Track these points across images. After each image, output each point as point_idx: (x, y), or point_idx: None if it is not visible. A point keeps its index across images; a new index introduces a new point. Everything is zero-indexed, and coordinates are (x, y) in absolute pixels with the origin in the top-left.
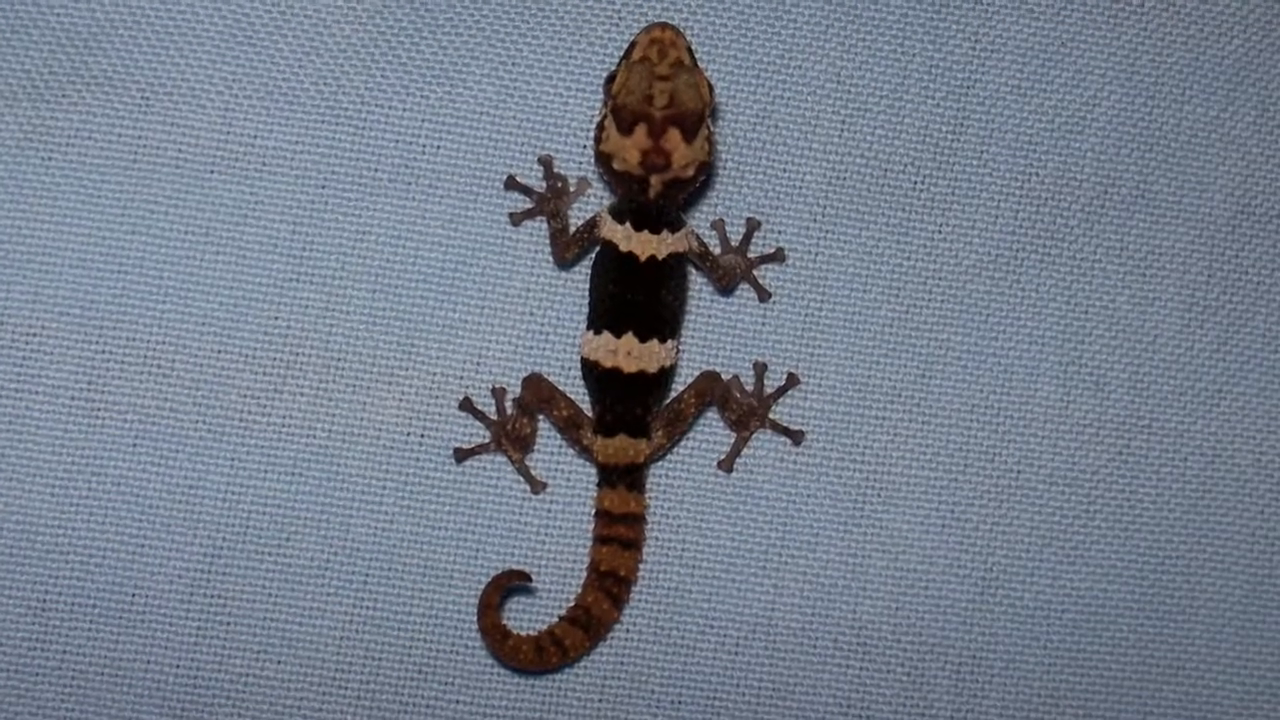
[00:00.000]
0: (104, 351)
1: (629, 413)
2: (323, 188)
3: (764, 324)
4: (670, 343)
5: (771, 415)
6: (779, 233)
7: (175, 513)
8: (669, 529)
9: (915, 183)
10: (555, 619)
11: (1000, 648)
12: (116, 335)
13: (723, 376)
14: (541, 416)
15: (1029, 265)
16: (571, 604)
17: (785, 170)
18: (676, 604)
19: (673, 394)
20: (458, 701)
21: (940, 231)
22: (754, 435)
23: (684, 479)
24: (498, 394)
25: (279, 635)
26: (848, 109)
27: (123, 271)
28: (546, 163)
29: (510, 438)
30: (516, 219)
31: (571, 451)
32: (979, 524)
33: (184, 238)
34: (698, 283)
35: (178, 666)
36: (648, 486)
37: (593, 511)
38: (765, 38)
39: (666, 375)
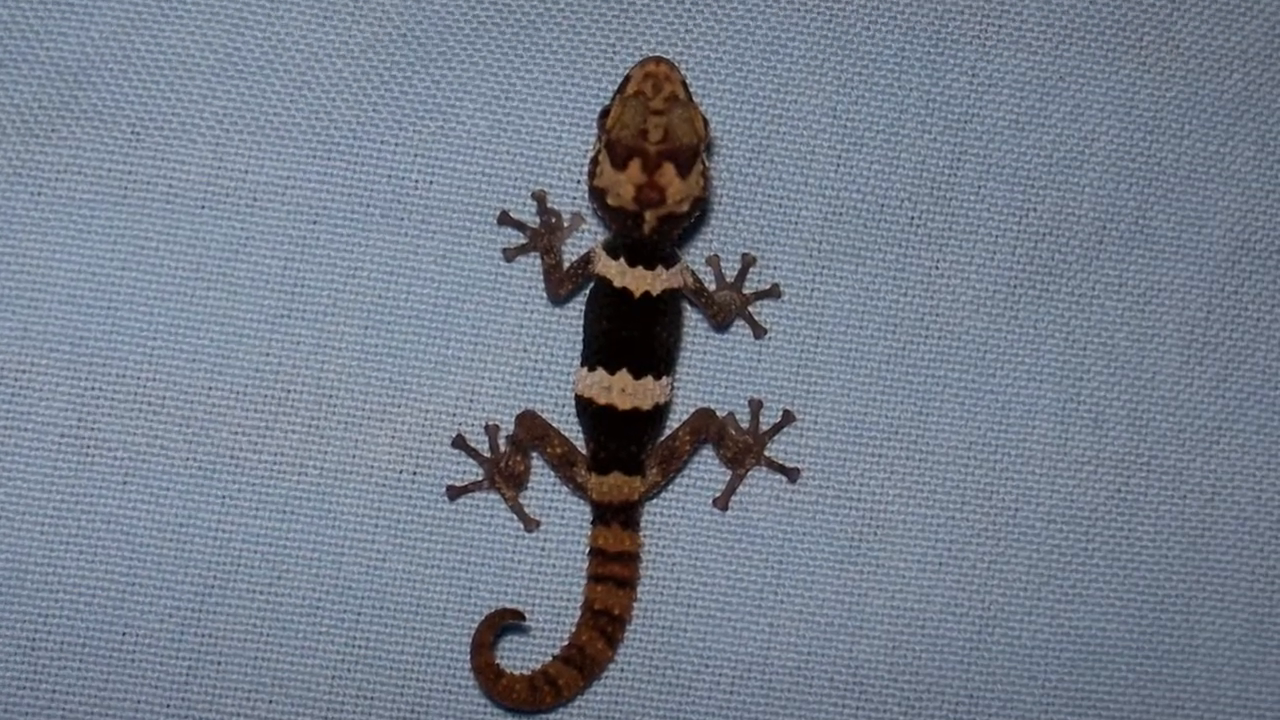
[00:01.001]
0: (94, 388)
1: (623, 450)
2: (315, 223)
3: (759, 360)
4: (665, 379)
5: (767, 453)
6: (774, 268)
7: (166, 550)
8: (664, 567)
9: (912, 218)
10: (549, 658)
11: (998, 687)
12: (107, 371)
13: (718, 413)
14: (535, 454)
15: (1027, 301)
16: (565, 643)
17: (781, 205)
18: (671, 643)
19: (667, 431)
20: None
21: (937, 267)
22: (749, 473)
23: (679, 517)
24: (491, 431)
25: (270, 675)
26: (844, 144)
27: (113, 307)
28: (540, 198)
29: (504, 475)
30: (510, 254)
31: (565, 489)
32: (976, 562)
33: (175, 273)
34: (693, 319)
35: (168, 706)
36: (642, 524)
37: (587, 550)
38: (761, 71)
39: (661, 412)
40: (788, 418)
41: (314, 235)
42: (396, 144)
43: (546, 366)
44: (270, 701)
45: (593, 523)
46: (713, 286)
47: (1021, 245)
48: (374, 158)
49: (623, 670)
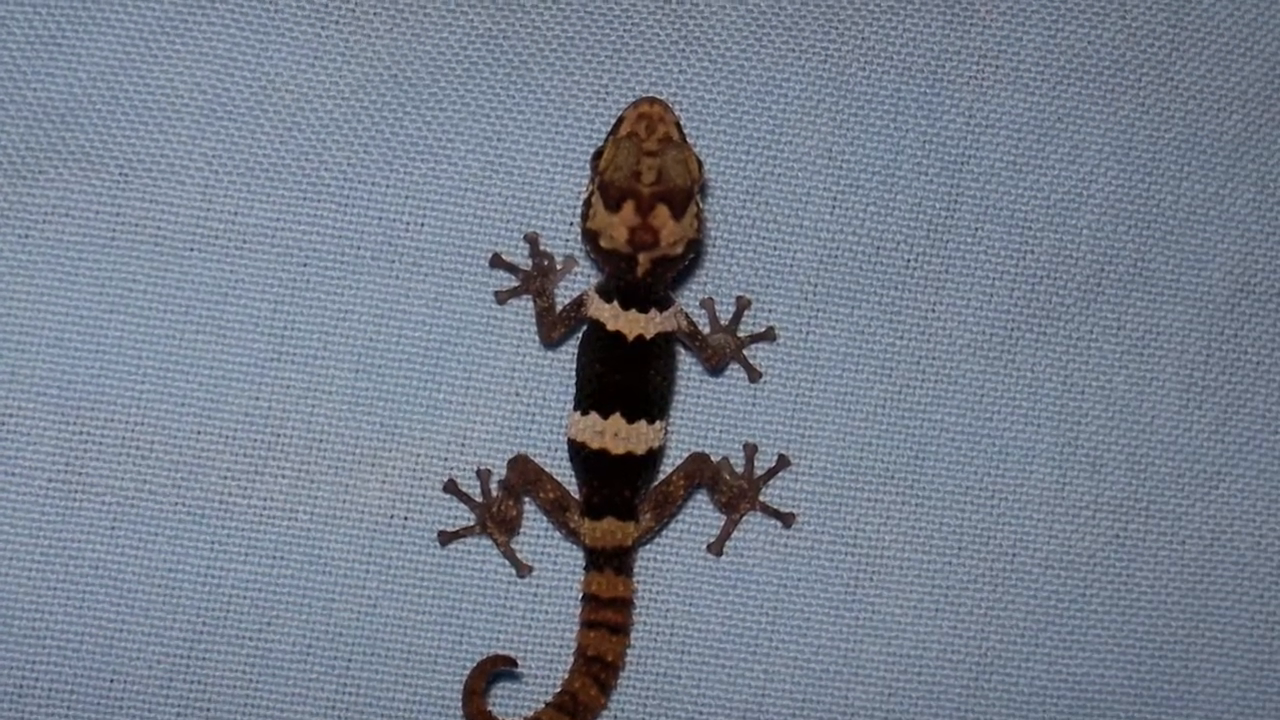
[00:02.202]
0: (81, 432)
1: (617, 495)
2: (304, 265)
3: (754, 404)
4: (659, 423)
5: (762, 497)
6: (769, 311)
7: (154, 597)
8: (657, 613)
9: (908, 260)
10: (541, 705)
11: None
12: (94, 416)
13: (712, 458)
14: (528, 499)
15: (1024, 344)
16: (558, 690)
17: (776, 248)
18: (665, 690)
19: (661, 476)
20: None
21: (934, 310)
22: (744, 518)
23: (673, 562)
24: (483, 476)
25: None
26: (839, 185)
27: (100, 351)
28: (532, 240)
29: (496, 520)
30: (502, 297)
31: (558, 534)
32: (973, 608)
33: (163, 316)
34: (687, 362)
35: None
36: (636, 570)
37: (580, 595)
38: (755, 112)
39: (655, 457)
40: (783, 462)
41: (304, 278)
42: (387, 186)
43: (539, 410)
44: None
45: (586, 568)
46: (707, 330)
47: (1019, 288)
48: (365, 200)
49: (616, 717)
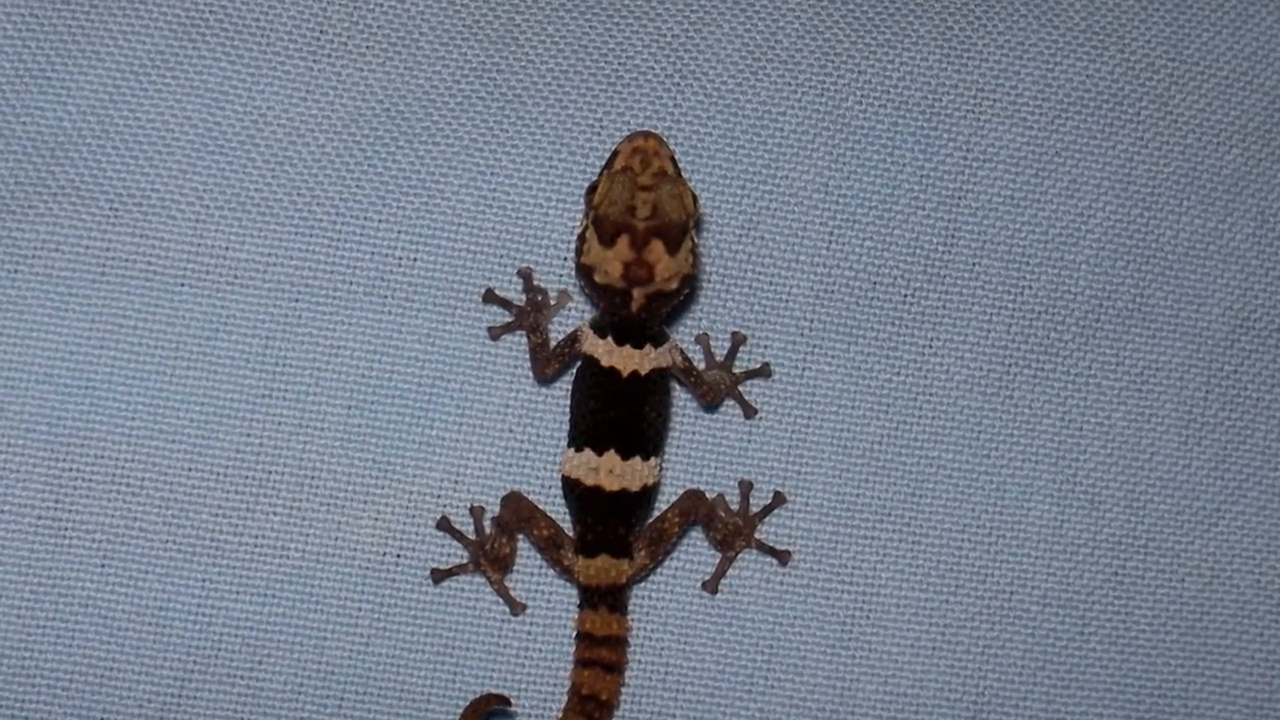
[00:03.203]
0: (72, 469)
1: (611, 532)
2: (296, 301)
3: (749, 441)
4: (653, 460)
5: (757, 535)
6: (765, 347)
7: (145, 635)
8: (652, 652)
9: (905, 296)
10: None
11: None
12: (85, 452)
13: (707, 495)
14: (521, 536)
15: (1022, 381)
16: None
17: (771, 283)
18: None
19: (656, 513)
20: None
21: (931, 346)
22: (739, 555)
23: (667, 600)
24: (476, 513)
25: None
26: (836, 220)
27: (91, 387)
28: (526, 275)
29: (489, 558)
30: (495, 333)
31: (552, 572)
32: (971, 647)
33: (154, 352)
34: (681, 399)
35: None
36: (630, 608)
37: (574, 634)
38: (751, 146)
39: (649, 494)
40: (778, 499)
41: (296, 313)
42: (380, 220)
43: (533, 447)
44: None
45: (580, 606)
46: (702, 365)
47: (1016, 323)
48: (357, 234)
49: None
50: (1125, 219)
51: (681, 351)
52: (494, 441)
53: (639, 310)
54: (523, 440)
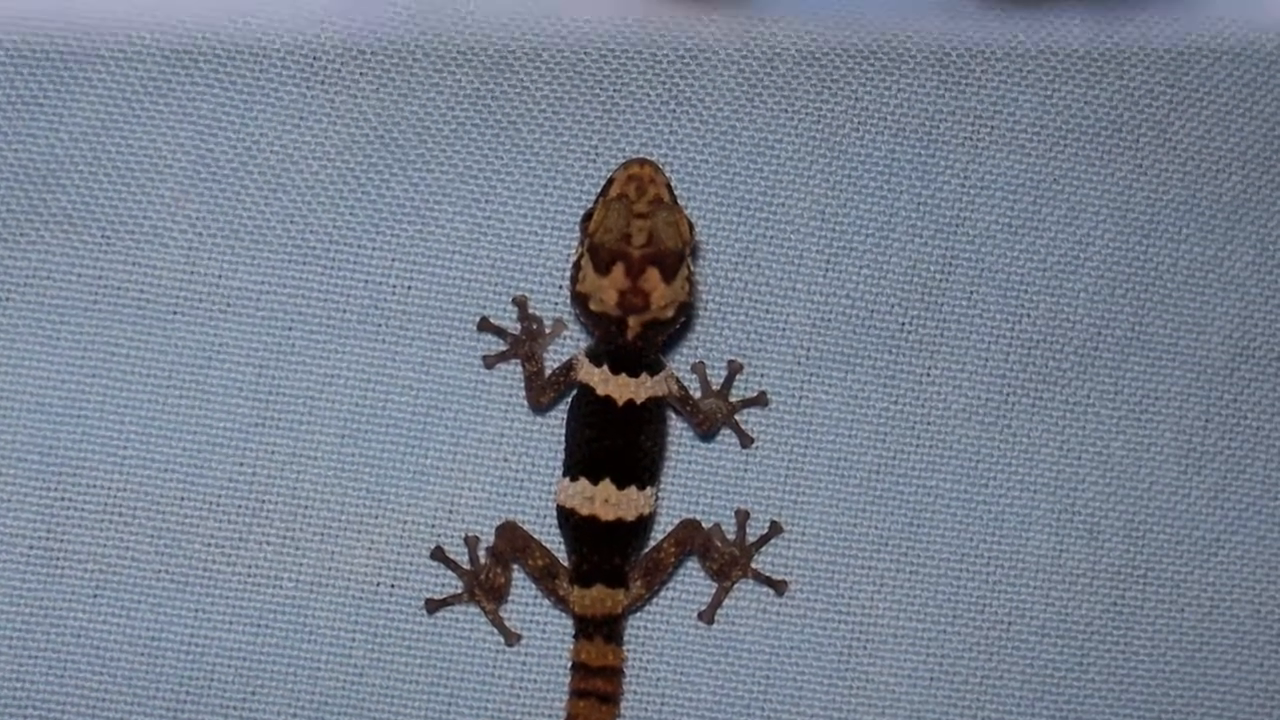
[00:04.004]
0: (64, 497)
1: (606, 562)
2: (289, 329)
3: (746, 470)
4: (649, 490)
5: (754, 564)
6: (761, 376)
7: (137, 664)
8: (648, 682)
9: (903, 324)
10: None
11: None
12: (77, 481)
13: (703, 524)
14: (516, 566)
15: (1020, 409)
16: None
17: (768, 311)
18: None
19: (652, 542)
20: None
21: (928, 374)
22: (736, 585)
23: (663, 630)
24: (471, 543)
25: None
26: (833, 248)
27: (83, 415)
28: (521, 303)
29: (484, 588)
30: (490, 362)
31: (547, 602)
32: (969, 677)
33: (146, 381)
34: (678, 427)
35: None
36: (626, 638)
37: (569, 664)
38: (747, 174)
39: (645, 523)
40: (775, 529)
41: (289, 341)
42: (374, 248)
43: (528, 476)
44: None
45: (575, 636)
46: (698, 394)
47: (1015, 351)
48: (351, 262)
49: None
50: (1124, 247)
51: (678, 380)
52: (489, 471)
53: (635, 338)
54: (518, 469)
